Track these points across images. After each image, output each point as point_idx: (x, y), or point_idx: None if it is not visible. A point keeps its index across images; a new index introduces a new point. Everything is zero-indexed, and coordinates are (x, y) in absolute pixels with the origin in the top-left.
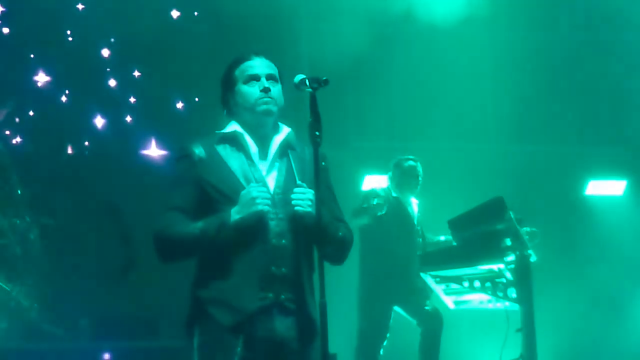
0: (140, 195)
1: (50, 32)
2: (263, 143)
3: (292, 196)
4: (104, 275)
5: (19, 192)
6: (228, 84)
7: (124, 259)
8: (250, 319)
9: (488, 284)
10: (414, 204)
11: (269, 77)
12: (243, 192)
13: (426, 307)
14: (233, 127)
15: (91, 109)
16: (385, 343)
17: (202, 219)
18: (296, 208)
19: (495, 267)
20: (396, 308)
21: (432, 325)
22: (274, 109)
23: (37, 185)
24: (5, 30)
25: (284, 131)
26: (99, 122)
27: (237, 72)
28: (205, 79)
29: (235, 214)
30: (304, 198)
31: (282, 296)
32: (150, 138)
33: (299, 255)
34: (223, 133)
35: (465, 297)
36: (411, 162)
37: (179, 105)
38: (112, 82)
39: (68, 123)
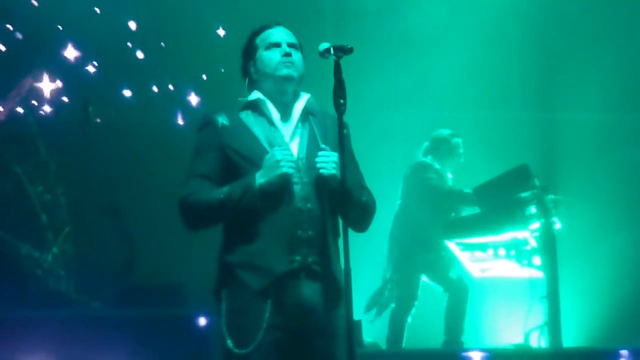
0: (165, 164)
1: (79, 6)
2: (285, 109)
3: (317, 159)
4: (128, 244)
5: (47, 162)
6: (249, 52)
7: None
8: (278, 282)
9: (513, 252)
10: (450, 177)
11: (290, 45)
12: (267, 156)
13: (451, 275)
14: (255, 95)
15: (118, 80)
16: (413, 311)
17: (227, 185)
18: (321, 171)
19: (519, 234)
20: (423, 275)
21: (458, 293)
22: (295, 73)
23: (66, 155)
24: (35, 2)
25: (304, 97)
26: (127, 93)
27: (258, 40)
28: (229, 51)
29: (260, 177)
30: (328, 161)
31: (310, 259)
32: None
33: (324, 219)
34: (246, 101)
35: (489, 264)
36: (458, 140)
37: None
38: (140, 54)
39: (95, 94)
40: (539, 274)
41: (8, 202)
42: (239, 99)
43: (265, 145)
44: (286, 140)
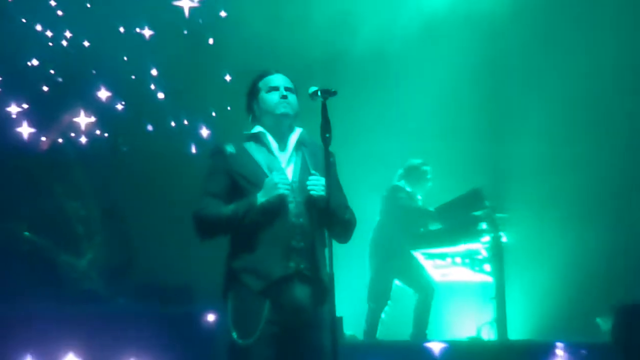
0: (180, 186)
1: (110, 54)
2: (281, 140)
3: (307, 182)
4: (147, 250)
5: (83, 183)
6: (253, 94)
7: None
8: (275, 285)
9: (468, 260)
10: (419, 198)
11: (287, 89)
12: (267, 179)
13: (419, 279)
14: (257, 128)
15: (142, 116)
16: (386, 308)
17: (233, 203)
18: (311, 192)
19: (473, 246)
20: (396, 279)
21: (425, 294)
22: (290, 111)
23: (98, 177)
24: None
25: (298, 131)
26: (149, 127)
27: (260, 84)
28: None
29: (260, 197)
30: (317, 184)
31: (302, 265)
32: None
33: (313, 232)
34: (249, 133)
35: (449, 270)
36: (427, 168)
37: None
38: (161, 95)
39: (123, 127)
40: (489, 279)
41: (49, 217)
42: (244, 132)
43: (265, 170)
44: (282, 166)
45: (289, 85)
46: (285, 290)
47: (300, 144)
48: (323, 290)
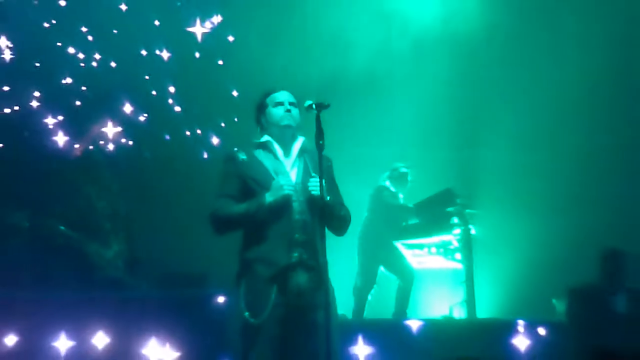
0: (194, 187)
1: (134, 73)
2: (286, 148)
3: (308, 184)
4: (166, 243)
5: (110, 185)
6: (261, 108)
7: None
8: (281, 272)
9: (441, 250)
10: (401, 197)
11: (290, 103)
12: (274, 182)
13: (401, 266)
14: (265, 138)
15: (162, 126)
16: (373, 291)
17: (244, 202)
18: (312, 192)
19: (446, 237)
20: (381, 267)
21: (406, 279)
22: (293, 123)
23: (124, 179)
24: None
25: (300, 140)
26: (167, 136)
27: (267, 100)
28: (240, 106)
29: (268, 197)
30: (317, 185)
31: (304, 256)
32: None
33: (314, 227)
34: (258, 142)
35: (425, 259)
36: (408, 170)
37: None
38: (177, 108)
39: (145, 136)
40: (459, 266)
41: (81, 214)
42: (254, 140)
43: (272, 174)
44: (287, 170)
45: (292, 100)
46: (290, 277)
47: (302, 151)
48: (322, 276)
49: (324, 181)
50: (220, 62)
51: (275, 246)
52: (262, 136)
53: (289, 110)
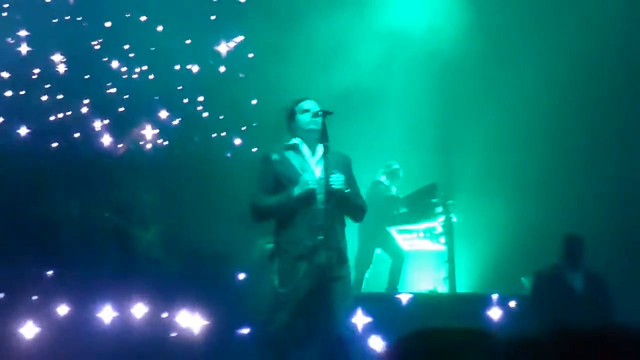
0: (219, 181)
1: (169, 85)
2: (312, 149)
3: (330, 178)
4: (197, 228)
5: (150, 179)
6: (291, 115)
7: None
8: (308, 251)
9: (428, 234)
10: (394, 190)
11: (317, 111)
12: (300, 177)
13: (394, 248)
14: (294, 140)
15: (192, 129)
16: (369, 270)
17: (276, 195)
18: (333, 185)
19: (432, 224)
20: (377, 249)
21: (398, 258)
22: (318, 128)
23: (162, 174)
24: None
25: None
26: (196, 138)
27: (296, 108)
28: (259, 112)
29: (296, 190)
30: (337, 180)
31: (326, 239)
32: (227, 152)
33: (334, 215)
34: (288, 144)
35: (414, 242)
36: (399, 167)
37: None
38: (205, 114)
39: (178, 138)
40: (443, 248)
41: (126, 205)
42: (284, 143)
43: (300, 171)
44: (312, 168)
45: (318, 107)
46: (315, 255)
47: (325, 151)
48: (340, 255)
49: (343, 176)
50: (241, 75)
51: (302, 230)
52: (291, 139)
53: (314, 116)
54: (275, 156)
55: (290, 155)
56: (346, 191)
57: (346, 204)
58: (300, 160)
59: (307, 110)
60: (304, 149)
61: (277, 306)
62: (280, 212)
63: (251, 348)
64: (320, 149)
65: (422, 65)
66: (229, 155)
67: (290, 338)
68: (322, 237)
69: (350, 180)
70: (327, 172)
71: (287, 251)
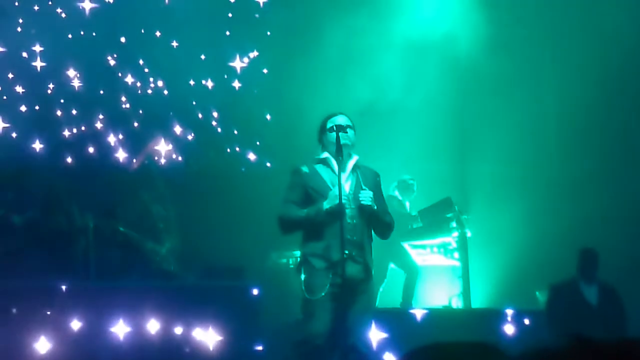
0: (233, 195)
1: (182, 99)
2: (342, 164)
3: (359, 195)
4: (210, 242)
5: (163, 192)
6: (322, 129)
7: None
8: (334, 265)
9: (442, 249)
10: (407, 205)
11: (347, 126)
12: (330, 192)
13: (408, 263)
14: (324, 154)
15: (206, 144)
16: (383, 285)
17: (306, 208)
18: (362, 202)
19: (446, 239)
20: (391, 263)
21: (412, 273)
22: (349, 142)
23: (175, 188)
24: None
25: (354, 158)
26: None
27: (328, 123)
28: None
29: (325, 204)
30: (366, 197)
31: (354, 253)
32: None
33: (363, 230)
34: (319, 158)
35: (428, 257)
36: (414, 182)
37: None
38: (219, 129)
39: (193, 153)
40: (457, 263)
41: (139, 216)
42: (315, 157)
43: (330, 185)
44: (342, 182)
45: (348, 123)
46: (342, 268)
47: (355, 167)
48: (367, 269)
49: (372, 192)
50: (256, 91)
51: (330, 244)
52: (322, 153)
53: (345, 132)
54: (305, 169)
55: (320, 169)
56: (374, 208)
57: (374, 220)
58: (331, 174)
59: (338, 127)
60: (334, 163)
61: (307, 313)
62: (309, 224)
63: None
64: (350, 164)
65: (438, 76)
66: (243, 169)
67: (323, 346)
68: (348, 252)
69: (378, 197)
70: (358, 187)
71: (314, 263)
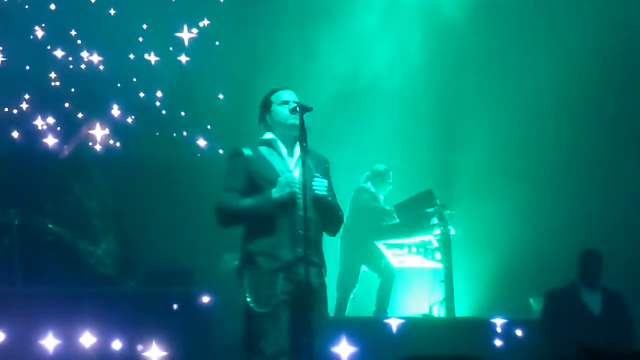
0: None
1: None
2: (289, 147)
3: (313, 183)
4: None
5: (99, 184)
6: (266, 106)
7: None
8: (286, 265)
9: (421, 249)
10: (381, 198)
11: (295, 103)
12: (280, 179)
13: (382, 265)
14: (269, 135)
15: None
16: (354, 290)
17: (250, 197)
18: (316, 191)
19: (426, 237)
20: (363, 267)
21: (387, 277)
22: (298, 123)
23: (112, 179)
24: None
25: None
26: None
27: (272, 98)
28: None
29: (275, 193)
30: (320, 185)
31: (307, 251)
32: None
33: (316, 224)
34: (263, 139)
35: (405, 258)
36: (389, 173)
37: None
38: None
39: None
40: (439, 265)
41: (71, 212)
42: (259, 137)
43: (278, 171)
44: (290, 168)
45: (297, 99)
46: (294, 269)
47: (304, 150)
48: (321, 269)
49: (326, 181)
50: (206, 67)
51: (280, 240)
52: (265, 133)
53: (293, 110)
54: (247, 152)
55: (265, 152)
56: (329, 199)
57: (327, 213)
58: (278, 158)
59: (286, 102)
60: (281, 146)
61: (255, 329)
62: (253, 216)
63: None
64: (298, 148)
65: (420, 47)
66: (199, 155)
67: None
68: (302, 250)
69: (329, 187)
70: (309, 174)
71: (261, 264)
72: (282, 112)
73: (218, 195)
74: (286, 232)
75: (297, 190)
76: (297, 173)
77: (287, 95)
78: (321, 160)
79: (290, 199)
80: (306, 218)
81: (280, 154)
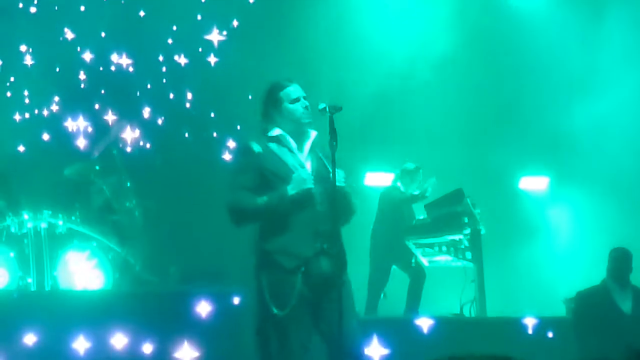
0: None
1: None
2: (299, 142)
3: (337, 176)
4: (186, 240)
5: (128, 184)
6: (275, 103)
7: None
8: (305, 262)
9: (452, 249)
10: None
11: (305, 98)
12: (295, 175)
13: (412, 265)
14: (277, 131)
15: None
16: (385, 289)
17: (264, 195)
18: (338, 183)
19: (456, 237)
20: (394, 266)
21: (417, 277)
22: (312, 120)
23: (140, 179)
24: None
25: (313, 134)
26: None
27: (281, 94)
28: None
29: (290, 189)
30: (341, 177)
31: (325, 245)
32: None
33: (334, 217)
34: (272, 136)
35: (436, 257)
36: (420, 171)
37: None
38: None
39: (162, 140)
40: (469, 265)
41: (100, 212)
42: (268, 134)
43: (291, 167)
44: (304, 163)
45: (304, 94)
46: (314, 265)
47: (314, 144)
48: (342, 263)
49: (343, 171)
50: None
51: (299, 237)
52: (272, 129)
53: (307, 107)
54: (258, 148)
55: (275, 148)
56: (348, 191)
57: (345, 205)
58: (289, 154)
59: (296, 100)
60: (291, 141)
61: (277, 332)
62: (269, 215)
63: None
64: (309, 141)
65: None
66: (226, 157)
67: None
68: (320, 245)
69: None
70: (325, 168)
71: (279, 263)
72: (295, 110)
73: (228, 193)
74: (303, 228)
75: (312, 185)
76: (308, 167)
77: (297, 91)
78: (327, 152)
79: (306, 195)
80: (324, 212)
81: (291, 150)
